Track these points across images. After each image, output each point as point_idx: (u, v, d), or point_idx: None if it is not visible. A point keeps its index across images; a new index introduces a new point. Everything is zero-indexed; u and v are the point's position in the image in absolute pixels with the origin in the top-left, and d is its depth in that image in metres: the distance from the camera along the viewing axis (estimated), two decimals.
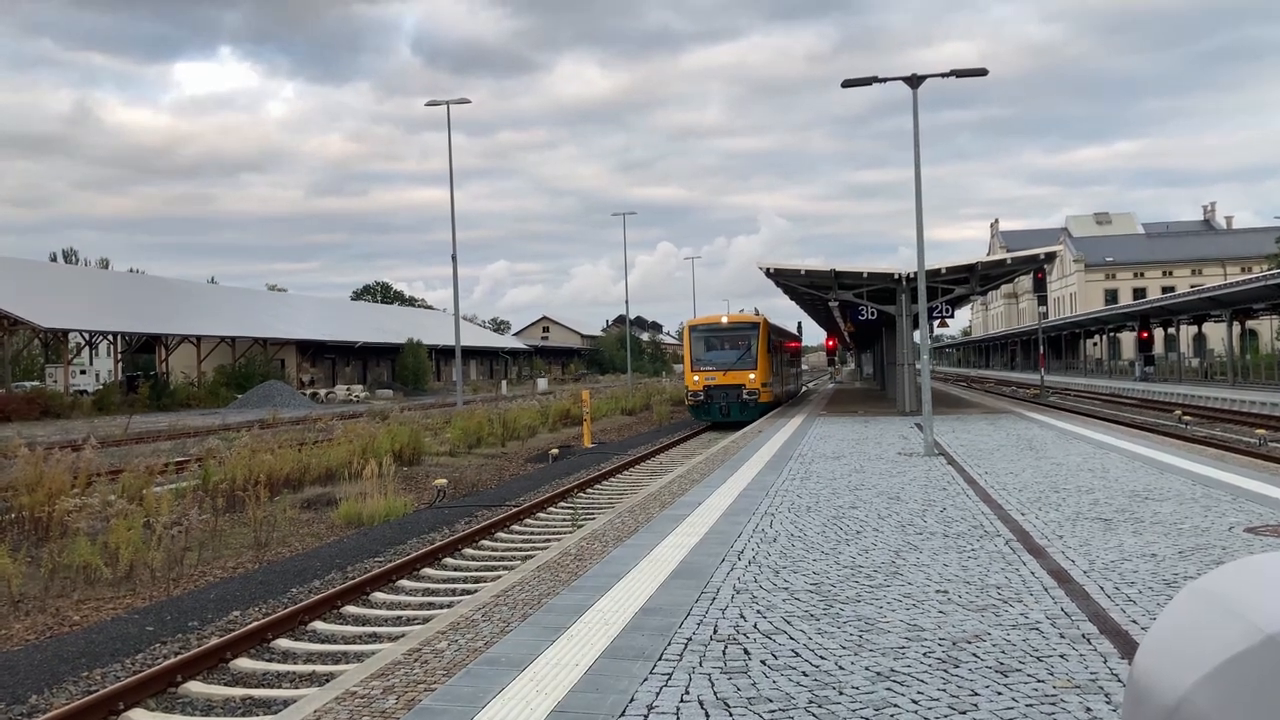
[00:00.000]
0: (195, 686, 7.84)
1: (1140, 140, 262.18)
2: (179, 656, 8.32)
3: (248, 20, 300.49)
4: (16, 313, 55.84)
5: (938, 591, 7.43)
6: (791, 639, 6.30)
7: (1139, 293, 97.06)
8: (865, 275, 29.68)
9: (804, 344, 69.26)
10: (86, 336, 67.72)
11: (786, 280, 31.45)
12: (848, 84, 19.36)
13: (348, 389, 75.96)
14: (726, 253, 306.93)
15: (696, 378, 33.52)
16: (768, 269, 29.93)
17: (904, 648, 6.04)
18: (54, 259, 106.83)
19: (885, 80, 18.97)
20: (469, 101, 41.62)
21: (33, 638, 9.38)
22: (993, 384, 70.33)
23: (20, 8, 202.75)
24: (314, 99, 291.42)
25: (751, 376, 32.93)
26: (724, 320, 35.66)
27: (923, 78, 18.57)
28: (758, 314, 38.86)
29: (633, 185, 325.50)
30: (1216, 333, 61.35)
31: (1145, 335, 58.24)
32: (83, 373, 70.44)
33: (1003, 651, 5.91)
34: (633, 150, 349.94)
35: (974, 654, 5.87)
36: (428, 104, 42.32)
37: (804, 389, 60.40)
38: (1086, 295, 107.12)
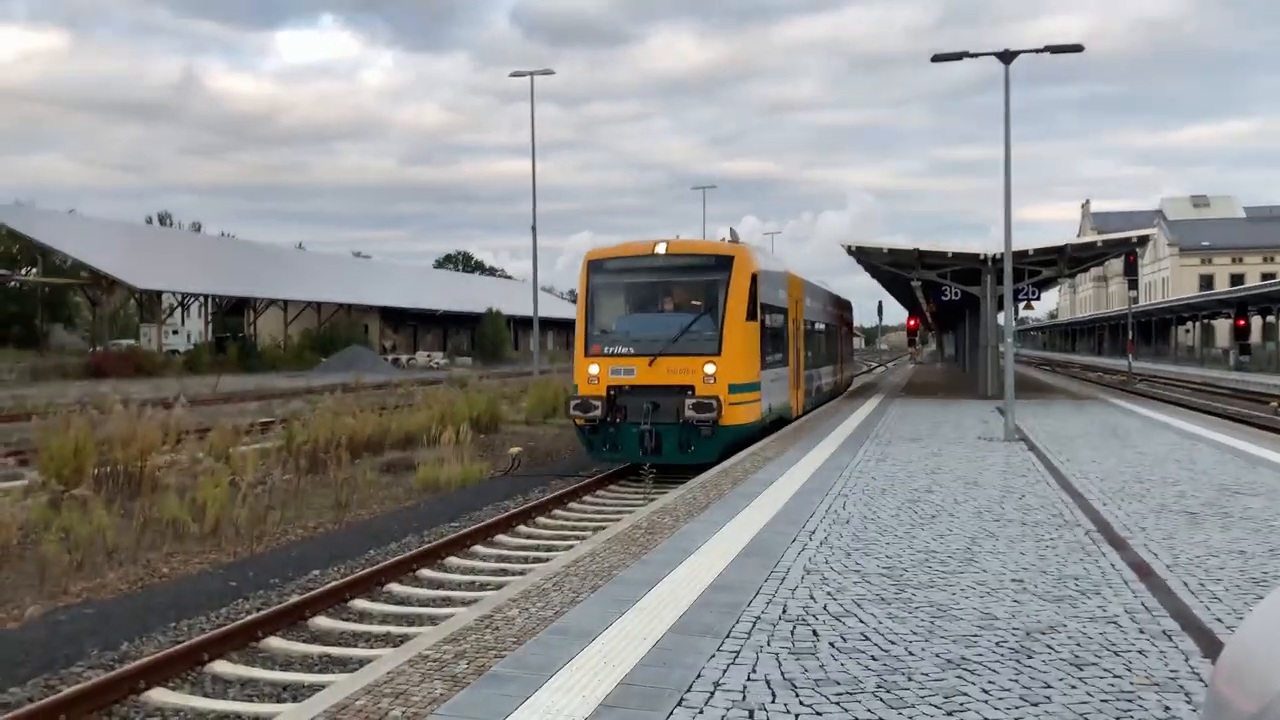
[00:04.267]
0: (275, 642, 8.09)
1: (1251, 119, 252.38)
2: (260, 612, 8.59)
3: None
4: (114, 274, 57.85)
5: (1013, 580, 7.31)
6: (861, 622, 6.26)
7: (1236, 279, 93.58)
8: (950, 255, 29.09)
9: (883, 323, 63.39)
10: (179, 298, 69.86)
11: (869, 259, 30.98)
12: (937, 59, 18.93)
13: (428, 355, 77.30)
14: (812, 228, 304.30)
15: (594, 369, 16.72)
16: (849, 246, 29.48)
17: (976, 636, 5.95)
18: (149, 222, 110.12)
19: (976, 55, 18.49)
20: (553, 73, 41.82)
21: (125, 588, 9.77)
22: (1078, 369, 68.64)
23: None
24: (412, 69, 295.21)
25: (709, 370, 16.20)
26: (659, 251, 17.39)
27: (1015, 53, 18.04)
28: (735, 241, 19.51)
29: (720, 159, 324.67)
30: None
31: (1242, 323, 56.24)
32: (175, 333, 72.63)
33: (1079, 644, 5.79)
34: (723, 124, 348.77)
35: (1049, 645, 5.77)
36: (512, 75, 42.64)
37: (853, 381, 41.47)
38: (1180, 280, 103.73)
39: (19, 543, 10.23)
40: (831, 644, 5.82)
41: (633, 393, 16.35)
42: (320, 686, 6.56)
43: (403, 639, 7.83)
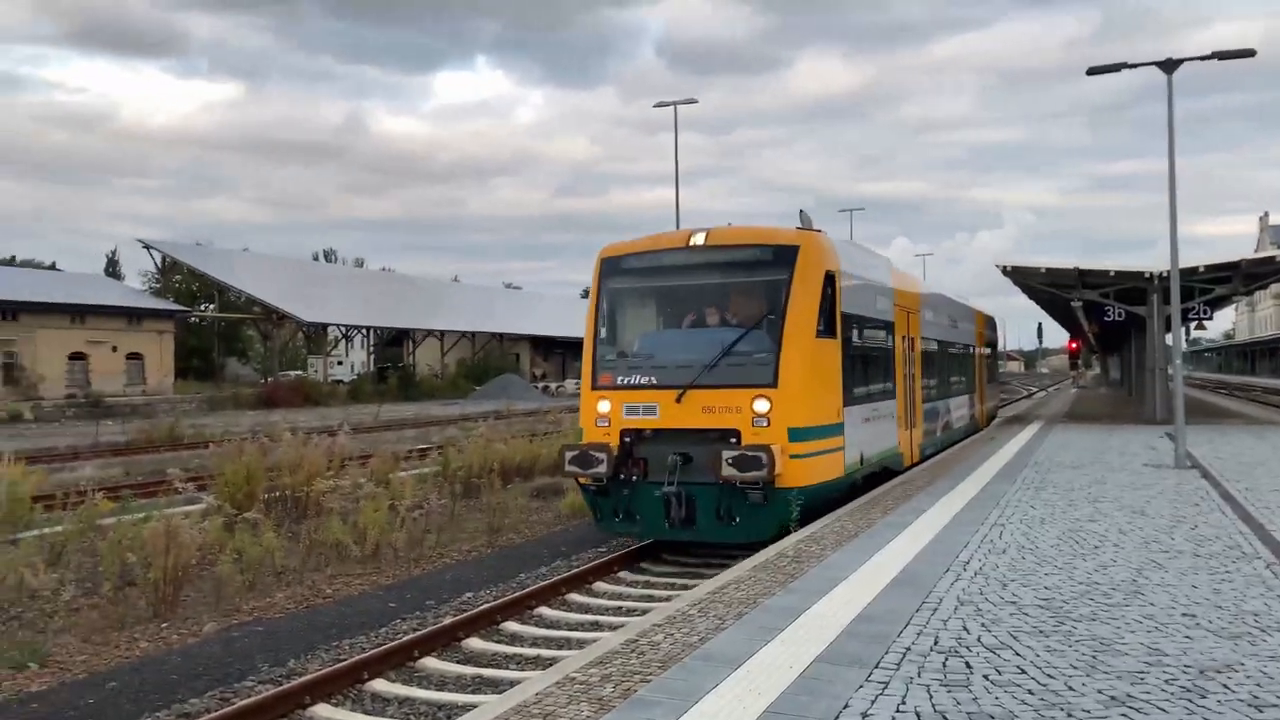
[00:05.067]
0: (430, 662, 8.34)
1: None
2: (417, 633, 8.87)
3: (504, 29, 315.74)
4: (284, 308, 61.12)
5: (1184, 615, 6.91)
6: (1018, 655, 6.03)
7: None
8: (1112, 274, 27.87)
9: (1043, 346, 59.76)
10: (343, 330, 73.19)
11: (1025, 279, 29.98)
12: (1093, 71, 18.21)
13: (576, 383, 78.48)
14: (967, 249, 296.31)
15: (603, 406, 12.32)
16: (1004, 267, 28.59)
17: (1143, 673, 5.65)
18: (315, 258, 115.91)
19: (1135, 66, 17.68)
20: (695, 101, 42.01)
21: (292, 607, 10.26)
22: (1258, 392, 64.41)
23: (307, 26, 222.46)
24: (561, 104, 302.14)
25: (761, 407, 11.40)
26: (696, 242, 12.76)
27: (1178, 62, 17.16)
28: (805, 226, 13.24)
29: (868, 180, 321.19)
30: None
31: None
32: (339, 364, 76.20)
33: (1258, 685, 5.42)
34: (868, 145, 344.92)
35: (1224, 685, 5.43)
36: (656, 105, 43.19)
37: (996, 414, 33.58)
38: None
39: (197, 563, 10.86)
40: (985, 676, 5.63)
41: (655, 439, 11.88)
42: (472, 706, 6.74)
43: (551, 661, 7.97)
